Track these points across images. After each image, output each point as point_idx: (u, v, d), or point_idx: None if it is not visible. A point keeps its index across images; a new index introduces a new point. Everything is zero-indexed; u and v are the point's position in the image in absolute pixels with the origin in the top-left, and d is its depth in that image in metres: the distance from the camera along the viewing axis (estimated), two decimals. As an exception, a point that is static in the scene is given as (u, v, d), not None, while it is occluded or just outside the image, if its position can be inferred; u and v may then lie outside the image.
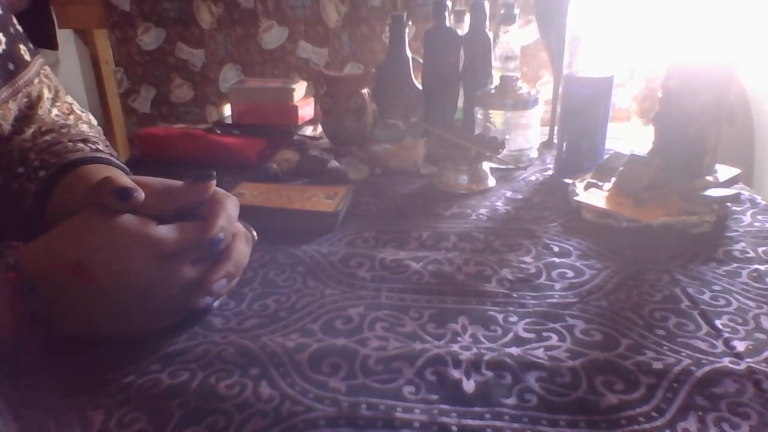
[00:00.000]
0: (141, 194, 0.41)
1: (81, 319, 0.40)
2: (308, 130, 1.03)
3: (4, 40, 0.54)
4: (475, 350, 0.42)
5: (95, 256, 0.39)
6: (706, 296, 0.49)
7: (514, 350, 0.42)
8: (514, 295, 0.50)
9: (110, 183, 0.40)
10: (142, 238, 0.40)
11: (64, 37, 1.39)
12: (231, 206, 0.45)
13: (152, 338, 0.43)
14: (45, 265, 0.38)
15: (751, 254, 0.56)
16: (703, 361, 0.40)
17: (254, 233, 0.49)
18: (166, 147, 0.89)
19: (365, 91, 0.88)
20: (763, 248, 0.57)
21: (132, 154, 0.93)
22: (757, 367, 0.40)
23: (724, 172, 0.67)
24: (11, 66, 0.55)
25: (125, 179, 0.42)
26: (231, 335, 0.44)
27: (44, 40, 1.28)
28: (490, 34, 0.89)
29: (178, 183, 0.44)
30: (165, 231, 0.41)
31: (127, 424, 0.35)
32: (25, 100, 0.56)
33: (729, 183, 0.66)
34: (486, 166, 0.77)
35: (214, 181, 0.45)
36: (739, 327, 0.45)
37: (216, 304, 0.47)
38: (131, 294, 0.39)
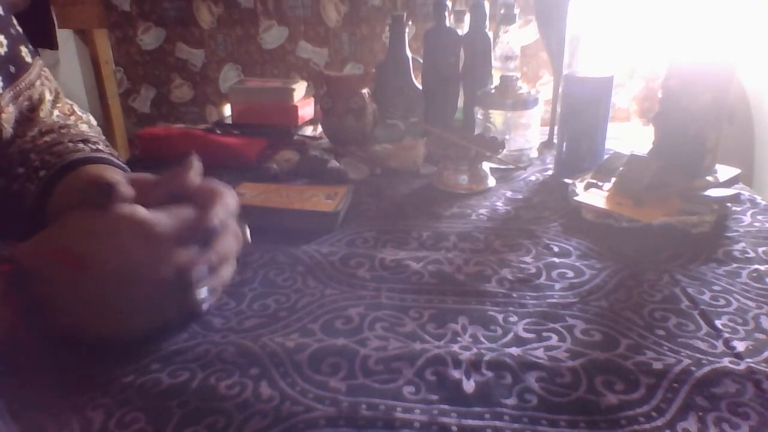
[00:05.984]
0: (126, 188, 0.41)
1: (77, 313, 0.40)
2: (308, 130, 1.03)
3: (5, 42, 0.54)
4: (475, 350, 0.42)
5: (83, 243, 0.39)
6: (706, 296, 0.49)
7: (514, 350, 0.42)
8: (514, 295, 0.50)
9: (96, 181, 0.41)
10: (130, 221, 0.40)
11: (64, 37, 1.39)
12: (230, 199, 0.45)
13: (152, 338, 0.43)
14: (38, 256, 0.39)
15: (751, 254, 0.56)
16: (703, 361, 0.40)
17: (248, 235, 0.49)
18: (166, 147, 0.89)
19: (365, 91, 0.88)
20: (763, 248, 0.57)
21: (132, 154, 0.93)
22: (757, 367, 0.40)
23: (724, 172, 0.67)
24: (12, 69, 0.55)
25: (113, 175, 0.42)
26: (231, 335, 0.44)
27: (44, 40, 1.28)
28: (490, 34, 0.89)
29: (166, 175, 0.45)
30: (153, 213, 0.41)
31: (127, 424, 0.35)
32: (27, 103, 0.56)
33: (729, 183, 0.66)
34: (486, 166, 0.77)
35: (197, 163, 0.45)
36: (739, 327, 0.45)
37: (205, 306, 0.45)
38: (123, 278, 0.39)
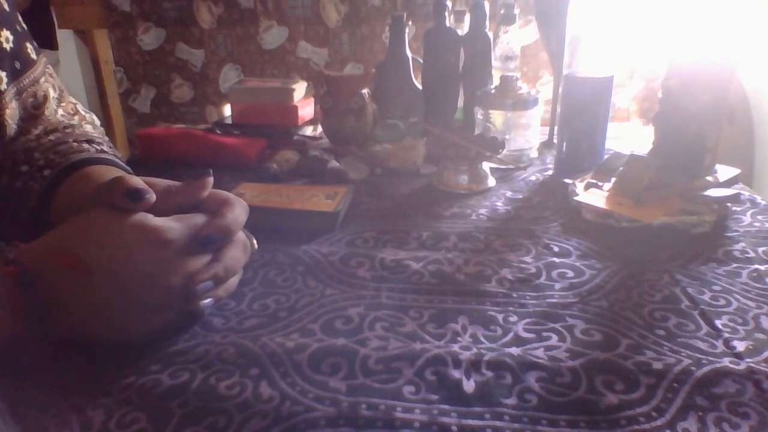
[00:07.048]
0: (152, 196, 0.41)
1: (80, 316, 0.40)
2: (308, 130, 1.03)
3: (11, 38, 0.54)
4: (475, 350, 0.42)
5: (92, 249, 0.39)
6: (706, 296, 0.49)
7: (514, 350, 0.42)
8: (514, 295, 0.50)
9: (122, 183, 0.41)
10: (138, 228, 0.40)
11: (64, 37, 1.38)
12: (239, 210, 0.45)
13: (152, 340, 0.43)
14: (43, 259, 0.39)
15: (751, 254, 0.56)
16: (703, 361, 0.40)
17: (255, 242, 0.49)
18: (166, 147, 0.89)
19: (365, 91, 0.88)
20: (763, 248, 0.57)
21: (132, 154, 0.93)
22: (757, 367, 0.40)
23: (724, 172, 0.67)
24: (18, 65, 0.55)
25: (137, 180, 0.42)
26: (231, 335, 0.44)
27: (44, 40, 1.28)
28: (490, 34, 0.89)
29: (177, 183, 0.44)
30: (162, 221, 0.41)
31: (127, 424, 0.35)
32: (31, 99, 0.56)
33: (729, 183, 0.66)
34: (486, 166, 0.78)
35: (211, 179, 0.45)
36: (739, 327, 0.45)
37: (206, 312, 0.46)
38: (129, 284, 0.39)
